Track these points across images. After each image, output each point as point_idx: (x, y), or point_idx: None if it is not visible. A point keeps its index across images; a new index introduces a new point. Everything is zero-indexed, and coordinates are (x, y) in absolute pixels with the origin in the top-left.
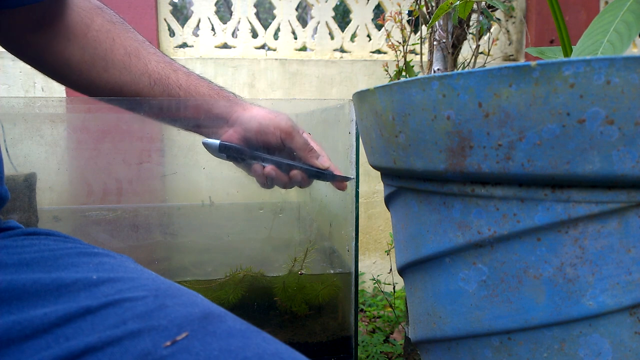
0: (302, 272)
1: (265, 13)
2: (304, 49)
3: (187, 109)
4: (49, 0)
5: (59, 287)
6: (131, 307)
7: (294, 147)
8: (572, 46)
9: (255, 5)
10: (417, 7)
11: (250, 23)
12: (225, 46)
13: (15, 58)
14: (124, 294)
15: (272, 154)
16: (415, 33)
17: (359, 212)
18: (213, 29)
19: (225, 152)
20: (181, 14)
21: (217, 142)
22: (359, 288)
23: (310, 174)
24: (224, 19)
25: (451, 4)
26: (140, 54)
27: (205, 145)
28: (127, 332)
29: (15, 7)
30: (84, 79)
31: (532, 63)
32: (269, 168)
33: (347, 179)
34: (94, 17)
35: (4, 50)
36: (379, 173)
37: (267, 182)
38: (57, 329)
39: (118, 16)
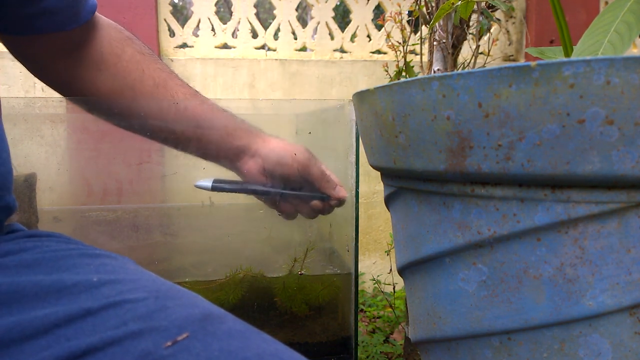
0: (302, 272)
1: (265, 13)
2: (304, 49)
3: (212, 141)
4: (79, 27)
5: (60, 289)
6: (132, 308)
7: (311, 179)
8: (573, 46)
9: (255, 6)
10: (417, 7)
11: (250, 23)
12: (225, 46)
13: (16, 58)
14: (125, 295)
15: (292, 185)
16: (415, 33)
17: (359, 213)
18: (213, 29)
19: (218, 190)
20: (181, 14)
21: (210, 184)
22: (359, 288)
23: (312, 198)
24: (224, 19)
25: (453, 4)
26: (168, 85)
27: (198, 187)
28: (128, 332)
29: (47, 33)
30: (113, 107)
31: (532, 63)
32: (286, 206)
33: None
34: (125, 47)
35: (4, 50)
36: (379, 173)
37: (289, 215)
38: (57, 329)
39: (147, 47)
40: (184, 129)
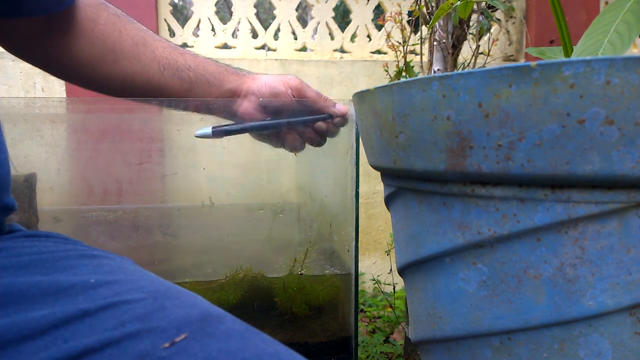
0: (302, 272)
1: (265, 13)
2: (304, 49)
3: (200, 90)
4: (67, 8)
5: (57, 291)
6: (130, 309)
7: (309, 101)
8: (573, 46)
9: (255, 6)
10: (417, 7)
11: (250, 23)
12: (225, 46)
13: (16, 58)
14: (123, 296)
15: (290, 115)
16: (415, 33)
17: (359, 213)
18: (213, 29)
19: (219, 136)
20: (181, 14)
21: (210, 130)
22: (359, 288)
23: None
24: (224, 20)
25: (452, 4)
26: (147, 42)
27: (199, 136)
28: (126, 333)
29: (32, 16)
30: (96, 74)
31: (532, 63)
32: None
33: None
34: (100, 12)
35: (4, 50)
36: (379, 173)
37: (298, 146)
38: (55, 330)
39: (120, 10)
40: (170, 83)
